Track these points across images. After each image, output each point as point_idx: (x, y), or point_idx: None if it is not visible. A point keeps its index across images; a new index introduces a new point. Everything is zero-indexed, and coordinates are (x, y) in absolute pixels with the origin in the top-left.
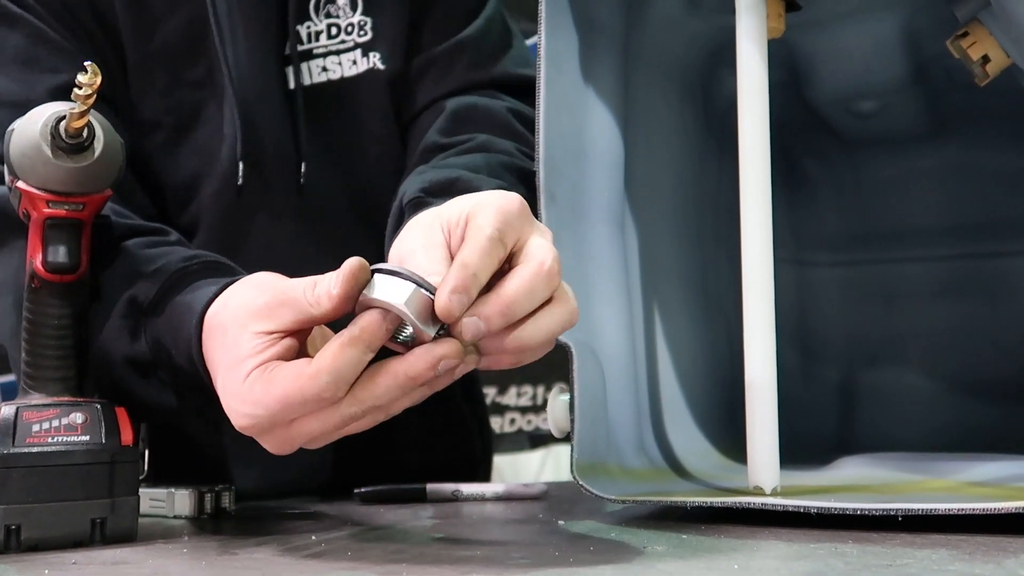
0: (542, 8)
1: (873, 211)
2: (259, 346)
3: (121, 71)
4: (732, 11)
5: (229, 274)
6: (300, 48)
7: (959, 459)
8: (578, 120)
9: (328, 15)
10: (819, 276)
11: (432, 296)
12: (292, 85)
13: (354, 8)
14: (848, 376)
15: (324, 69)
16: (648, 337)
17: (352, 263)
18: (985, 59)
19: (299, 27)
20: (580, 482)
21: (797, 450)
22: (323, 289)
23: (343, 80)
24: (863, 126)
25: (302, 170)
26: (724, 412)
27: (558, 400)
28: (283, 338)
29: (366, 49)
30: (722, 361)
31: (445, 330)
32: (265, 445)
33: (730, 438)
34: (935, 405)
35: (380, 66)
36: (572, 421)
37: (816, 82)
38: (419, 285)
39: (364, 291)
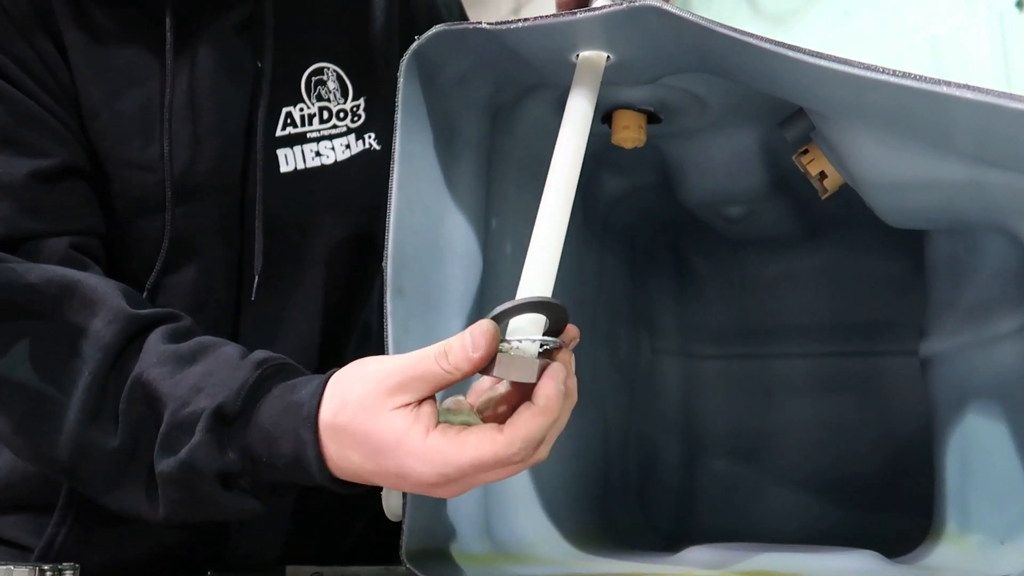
0: (398, 115)
1: (756, 307)
2: (409, 416)
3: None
4: (600, 119)
5: (294, 370)
6: (292, 131)
7: (802, 551)
8: (434, 219)
9: (319, 97)
10: (705, 368)
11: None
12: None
13: (345, 94)
14: (729, 467)
15: (317, 154)
16: None
17: (484, 325)
18: (822, 175)
19: (291, 109)
20: (409, 566)
21: (676, 538)
22: (460, 356)
23: (336, 164)
24: (735, 228)
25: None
26: (586, 503)
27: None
28: (422, 403)
29: (360, 132)
30: (593, 452)
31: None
32: (442, 494)
33: (587, 528)
34: (806, 498)
35: (375, 146)
36: (404, 505)
37: (685, 187)
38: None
39: (496, 370)
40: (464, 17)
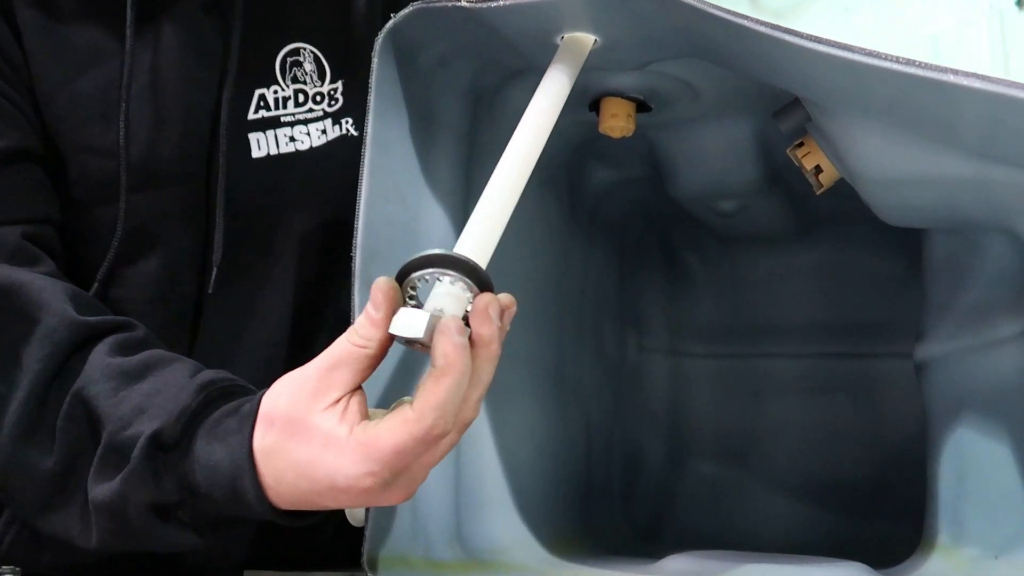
0: (371, 98)
1: (748, 305)
2: (336, 414)
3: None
4: (587, 106)
5: (242, 392)
6: (265, 115)
7: (785, 561)
8: (409, 208)
9: (295, 79)
10: (693, 367)
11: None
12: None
13: (322, 77)
14: (716, 469)
15: (292, 139)
16: (478, 426)
17: (380, 281)
18: (818, 169)
19: (265, 91)
20: (370, 575)
21: (659, 543)
22: (364, 322)
23: (312, 150)
24: (728, 223)
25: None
26: (566, 505)
27: None
28: (351, 397)
29: (337, 117)
30: (574, 453)
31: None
32: (389, 500)
33: (566, 532)
34: (794, 503)
35: (353, 133)
36: (367, 512)
37: (676, 180)
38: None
39: (391, 328)
40: None
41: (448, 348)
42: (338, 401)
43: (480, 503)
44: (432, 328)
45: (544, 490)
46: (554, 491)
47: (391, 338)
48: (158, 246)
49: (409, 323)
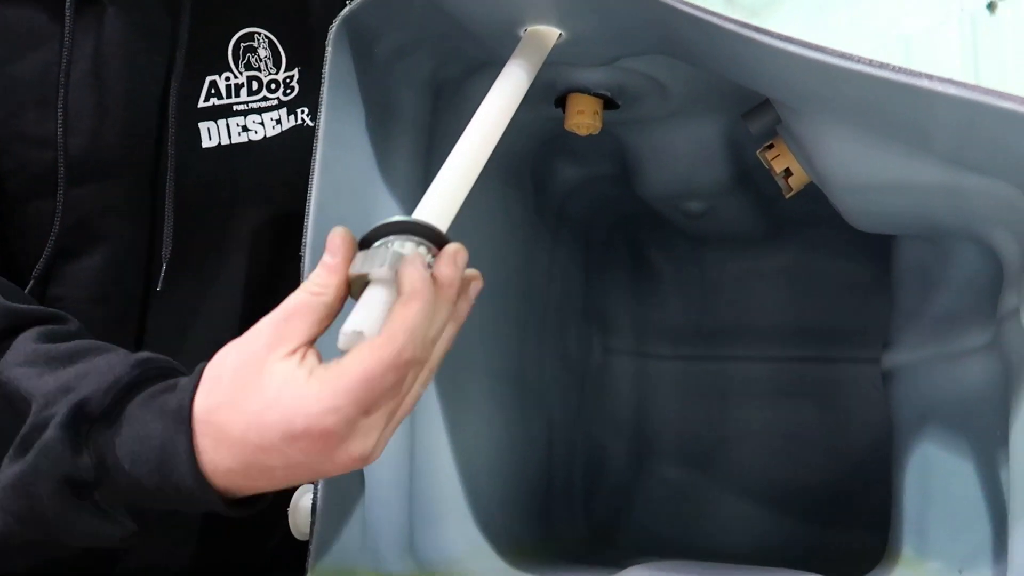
0: (324, 89)
1: (715, 307)
2: (293, 361)
3: None
4: (552, 102)
5: (181, 375)
6: (217, 103)
7: (744, 573)
8: (364, 205)
9: (249, 66)
10: (659, 369)
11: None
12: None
13: (277, 64)
14: (679, 474)
15: (244, 128)
16: (433, 431)
17: (337, 229)
18: (788, 172)
19: (216, 78)
20: None
21: (621, 550)
22: (320, 269)
23: (265, 140)
24: (696, 224)
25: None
26: (526, 512)
27: (301, 501)
28: (308, 350)
29: (292, 106)
30: (536, 457)
31: None
32: (347, 455)
33: (525, 540)
34: (758, 510)
35: (309, 123)
36: (312, 524)
37: (644, 179)
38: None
39: (352, 268)
40: None
41: (415, 276)
42: (294, 351)
43: (434, 512)
44: (394, 263)
45: (502, 496)
46: (513, 497)
47: (348, 287)
48: (101, 242)
49: (369, 259)
